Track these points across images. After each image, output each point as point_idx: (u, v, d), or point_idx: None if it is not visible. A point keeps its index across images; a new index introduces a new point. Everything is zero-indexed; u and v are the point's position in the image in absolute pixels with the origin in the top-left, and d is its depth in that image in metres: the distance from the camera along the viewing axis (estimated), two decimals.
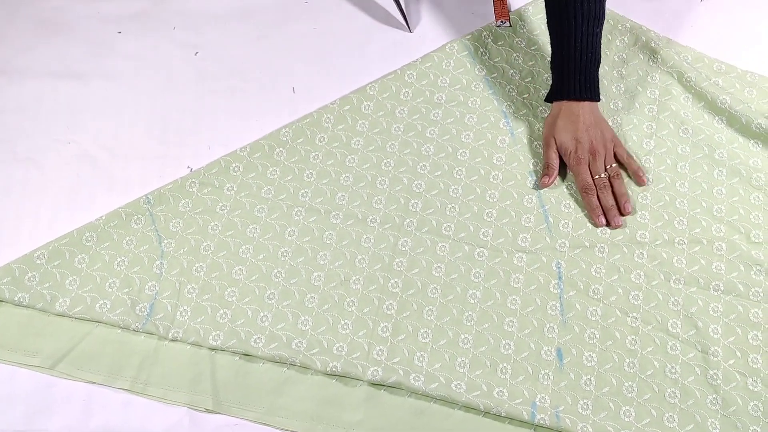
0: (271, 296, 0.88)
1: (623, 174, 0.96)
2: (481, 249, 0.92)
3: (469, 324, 0.87)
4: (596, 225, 0.93)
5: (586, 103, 0.95)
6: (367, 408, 0.83)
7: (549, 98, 0.98)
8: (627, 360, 0.86)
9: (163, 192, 0.93)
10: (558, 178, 0.96)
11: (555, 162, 0.96)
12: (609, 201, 0.94)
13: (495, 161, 0.98)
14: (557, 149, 0.96)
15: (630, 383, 0.84)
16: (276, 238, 0.91)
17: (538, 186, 0.96)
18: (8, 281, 0.85)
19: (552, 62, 0.97)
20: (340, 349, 0.85)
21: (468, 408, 0.83)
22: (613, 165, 0.96)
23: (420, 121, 1.00)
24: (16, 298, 0.85)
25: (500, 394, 0.83)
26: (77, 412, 0.81)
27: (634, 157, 0.97)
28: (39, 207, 0.92)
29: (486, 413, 0.82)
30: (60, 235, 0.89)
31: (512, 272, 0.90)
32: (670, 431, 0.82)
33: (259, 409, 0.82)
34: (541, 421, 0.82)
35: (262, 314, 0.87)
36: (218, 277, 0.88)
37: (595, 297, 0.89)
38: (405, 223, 0.93)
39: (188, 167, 0.96)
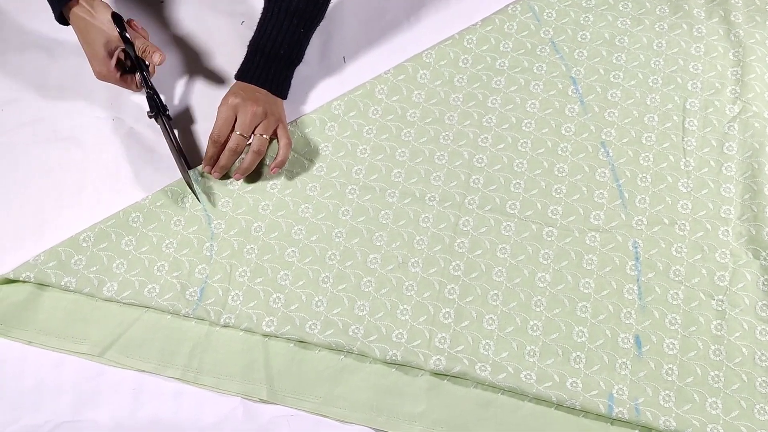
0: (326, 280, 0.83)
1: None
2: (550, 228, 0.85)
3: (538, 309, 0.81)
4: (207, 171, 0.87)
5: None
6: (429, 399, 0.78)
7: (236, 76, 0.89)
8: (713, 347, 0.79)
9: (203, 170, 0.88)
10: (617, 151, 0.89)
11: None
12: (225, 161, 0.86)
13: (563, 132, 0.91)
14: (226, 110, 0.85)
15: (716, 372, 0.78)
16: (329, 218, 0.86)
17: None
18: (54, 265, 0.82)
19: (251, 39, 0.89)
20: (399, 336, 0.80)
21: (539, 400, 0.78)
22: (263, 136, 0.85)
23: (481, 90, 0.93)
24: (62, 283, 0.81)
25: (574, 385, 0.77)
26: (127, 401, 0.78)
27: (290, 150, 0.87)
28: (82, 187, 0.89)
29: (558, 406, 0.77)
30: (104, 216, 0.85)
31: (585, 253, 0.84)
32: (762, 424, 0.75)
33: (316, 399, 0.78)
34: (620, 415, 0.76)
35: (316, 299, 0.82)
36: (270, 260, 0.84)
37: (677, 279, 0.83)
38: (466, 200, 0.87)
39: None
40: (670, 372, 0.78)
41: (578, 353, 0.79)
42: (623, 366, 0.79)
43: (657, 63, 0.94)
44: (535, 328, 0.80)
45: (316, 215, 0.86)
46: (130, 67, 0.88)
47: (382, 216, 0.87)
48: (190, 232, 0.85)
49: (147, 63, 0.87)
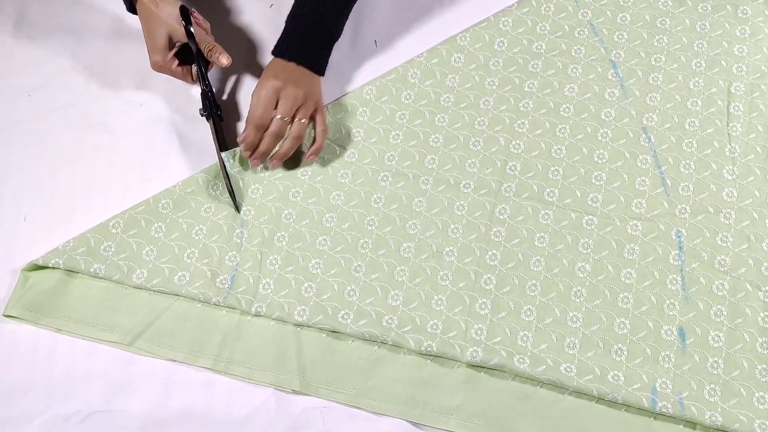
0: (358, 269, 0.81)
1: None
2: (590, 216, 0.83)
3: (578, 300, 0.79)
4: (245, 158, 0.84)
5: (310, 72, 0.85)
6: (466, 391, 0.76)
7: (274, 52, 0.86)
8: (760, 339, 0.77)
9: (241, 154, 0.86)
10: (668, 132, 0.86)
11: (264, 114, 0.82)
12: (266, 146, 0.83)
13: (603, 117, 0.88)
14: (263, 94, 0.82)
15: (764, 366, 0.76)
16: (361, 205, 0.84)
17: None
18: (83, 251, 0.81)
19: (289, 14, 0.86)
20: (434, 326, 0.78)
21: (579, 393, 0.75)
22: (303, 121, 0.83)
23: (517, 74, 0.91)
24: (92, 270, 0.80)
25: (615, 378, 0.75)
26: (157, 391, 0.77)
27: (327, 135, 0.86)
28: (111, 173, 0.87)
29: (600, 399, 0.75)
30: (134, 202, 0.84)
31: (626, 242, 0.81)
32: None
33: (349, 390, 0.76)
34: (663, 409, 0.73)
35: (349, 288, 0.80)
36: (301, 248, 0.82)
37: (722, 269, 0.80)
38: (502, 188, 0.85)
39: None
40: (715, 365, 0.76)
41: (620, 345, 0.77)
42: (666, 359, 0.76)
43: (700, 46, 0.91)
44: (574, 319, 0.78)
45: (348, 202, 0.84)
46: (187, 60, 0.87)
47: (415, 204, 0.84)
48: (219, 218, 0.83)
49: (209, 61, 0.86)
